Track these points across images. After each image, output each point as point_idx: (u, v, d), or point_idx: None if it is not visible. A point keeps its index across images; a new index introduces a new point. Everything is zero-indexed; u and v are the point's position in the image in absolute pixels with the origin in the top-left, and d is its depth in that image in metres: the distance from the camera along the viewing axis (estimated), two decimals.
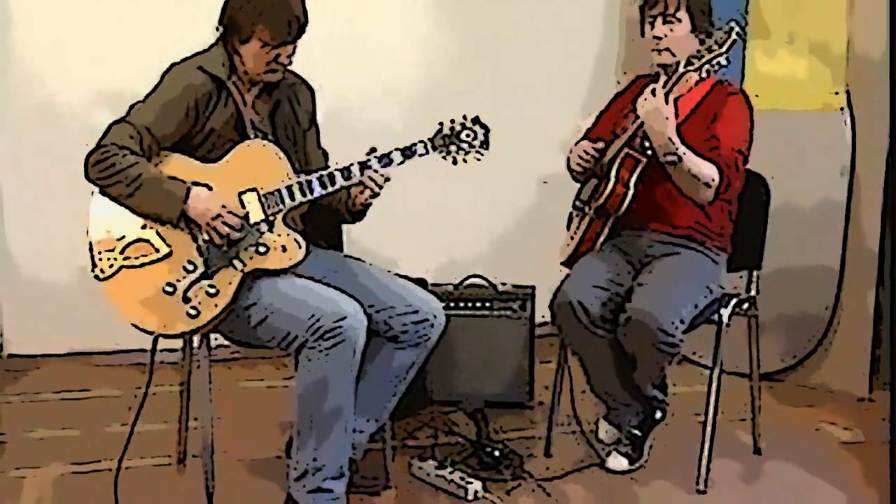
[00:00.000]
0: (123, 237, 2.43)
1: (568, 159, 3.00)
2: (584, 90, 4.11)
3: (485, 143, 2.55)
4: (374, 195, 2.55)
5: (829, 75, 3.56)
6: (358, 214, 2.67)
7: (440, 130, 2.54)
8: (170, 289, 2.41)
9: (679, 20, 2.75)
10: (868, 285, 3.55)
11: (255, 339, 2.50)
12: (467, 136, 2.54)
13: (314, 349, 2.37)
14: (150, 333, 2.45)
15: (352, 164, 2.50)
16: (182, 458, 2.92)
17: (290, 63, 2.54)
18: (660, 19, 2.76)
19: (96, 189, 2.45)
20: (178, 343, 2.72)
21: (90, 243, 2.44)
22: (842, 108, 3.54)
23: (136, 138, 2.41)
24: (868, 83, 3.48)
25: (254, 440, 2.97)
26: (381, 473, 2.80)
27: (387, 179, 2.52)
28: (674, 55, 2.75)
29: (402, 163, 2.51)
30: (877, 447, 3.03)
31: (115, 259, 2.42)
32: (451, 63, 4.02)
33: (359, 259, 2.72)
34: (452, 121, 2.55)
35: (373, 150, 2.51)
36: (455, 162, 2.54)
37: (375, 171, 2.49)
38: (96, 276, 2.43)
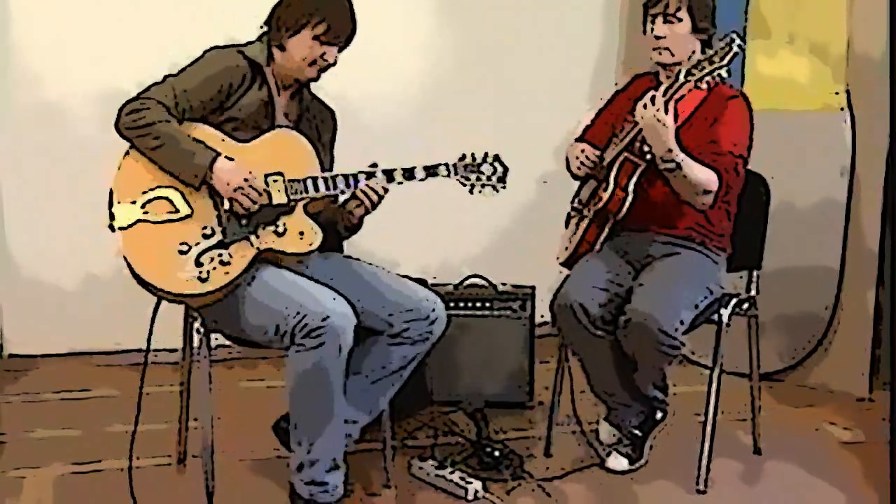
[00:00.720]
0: (147, 192, 2.44)
1: (567, 158, 3.00)
2: (585, 92, 4.11)
3: (502, 181, 2.65)
4: (369, 210, 2.59)
5: (829, 75, 3.57)
6: (353, 228, 2.70)
7: (463, 158, 2.63)
8: (184, 248, 2.42)
9: (679, 20, 2.74)
10: (868, 285, 3.55)
11: (246, 336, 2.51)
12: (487, 169, 2.63)
13: (301, 347, 2.38)
14: (154, 292, 2.43)
15: (376, 171, 2.55)
16: (182, 458, 2.92)
17: (335, 63, 2.58)
18: (660, 18, 2.75)
19: (122, 150, 2.46)
20: (178, 343, 2.73)
21: (110, 190, 2.44)
22: (842, 108, 3.55)
23: (172, 98, 2.45)
24: (868, 83, 3.48)
25: (254, 440, 2.97)
26: (380, 473, 2.80)
27: (385, 192, 2.57)
28: (673, 55, 2.76)
29: (423, 179, 2.58)
30: (877, 447, 3.03)
31: (135, 211, 2.43)
32: (453, 67, 4.02)
33: (359, 260, 2.72)
34: (474, 153, 2.64)
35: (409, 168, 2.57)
36: (472, 191, 2.64)
37: (384, 186, 2.55)
38: (110, 226, 2.43)
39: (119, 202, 2.43)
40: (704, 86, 2.59)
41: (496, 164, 2.65)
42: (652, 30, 2.78)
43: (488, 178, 2.63)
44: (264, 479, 2.81)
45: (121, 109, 2.44)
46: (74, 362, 3.78)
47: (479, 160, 2.63)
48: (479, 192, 2.63)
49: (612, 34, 4.24)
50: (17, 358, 3.79)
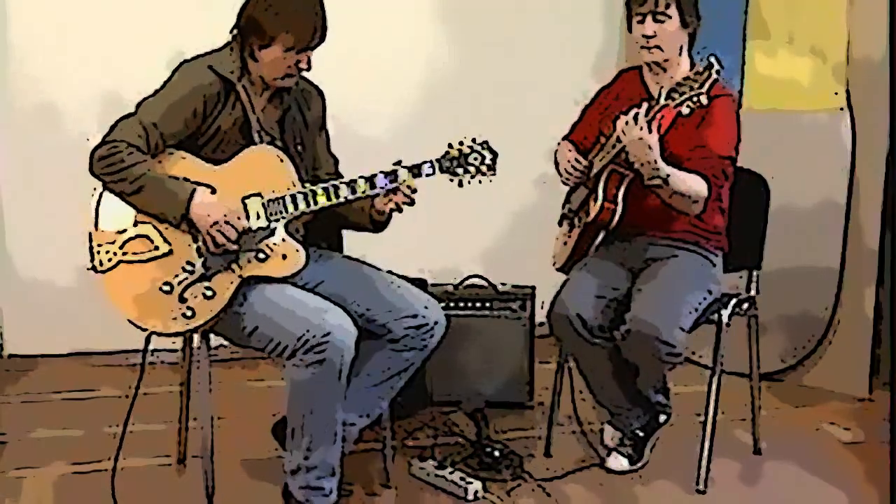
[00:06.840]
0: (125, 231, 2.43)
1: (556, 161, 2.98)
2: (585, 92, 4.09)
3: (492, 168, 2.53)
4: (399, 208, 2.53)
5: (829, 75, 3.56)
6: (381, 224, 2.65)
7: (448, 152, 2.52)
8: (167, 288, 2.41)
9: (669, 17, 2.70)
10: (868, 285, 3.54)
11: (250, 345, 2.50)
12: (475, 159, 2.52)
13: (301, 363, 2.38)
14: (144, 329, 2.45)
15: (358, 178, 2.48)
16: (182, 458, 2.92)
17: (309, 69, 2.52)
18: (650, 17, 2.70)
19: (98, 187, 2.44)
20: (179, 343, 2.73)
21: (89, 234, 2.44)
22: (842, 108, 3.54)
23: (142, 135, 2.40)
24: (868, 83, 3.48)
25: (254, 440, 2.97)
26: (380, 473, 2.80)
27: (414, 191, 2.50)
28: (663, 51, 2.73)
29: (405, 181, 2.49)
30: (877, 447, 3.04)
31: (115, 253, 2.42)
32: (452, 67, 4.01)
33: (359, 260, 2.72)
34: (461, 143, 2.53)
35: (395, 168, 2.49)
36: (461, 184, 2.53)
37: (397, 187, 2.48)
38: (94, 269, 2.42)
39: (99, 244, 2.42)
40: (687, 110, 2.51)
41: (484, 151, 2.52)
42: (640, 29, 2.73)
43: (477, 169, 2.52)
44: (264, 480, 2.80)
45: (92, 154, 2.40)
46: (75, 362, 3.78)
47: (465, 150, 2.51)
48: (469, 182, 2.52)
49: (613, 34, 4.23)
50: (17, 358, 3.79)
